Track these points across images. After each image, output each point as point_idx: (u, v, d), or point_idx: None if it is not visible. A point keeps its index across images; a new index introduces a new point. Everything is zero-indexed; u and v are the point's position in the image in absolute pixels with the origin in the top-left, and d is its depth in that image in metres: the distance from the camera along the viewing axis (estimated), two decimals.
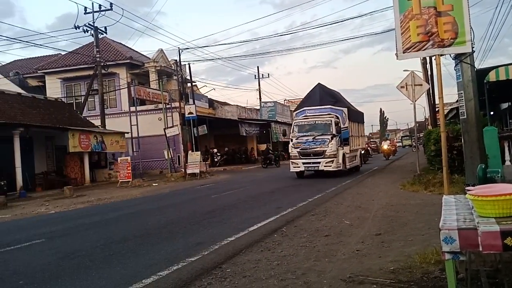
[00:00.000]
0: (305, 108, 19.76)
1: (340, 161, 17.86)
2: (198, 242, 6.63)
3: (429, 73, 23.72)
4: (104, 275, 5.15)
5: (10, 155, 18.43)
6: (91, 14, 25.30)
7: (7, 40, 61.12)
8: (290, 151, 19.04)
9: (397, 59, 6.78)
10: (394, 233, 6.36)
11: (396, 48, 6.71)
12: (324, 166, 17.54)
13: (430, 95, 24.82)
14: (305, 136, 18.13)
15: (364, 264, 4.81)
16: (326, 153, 17.50)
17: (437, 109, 23.21)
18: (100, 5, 25.50)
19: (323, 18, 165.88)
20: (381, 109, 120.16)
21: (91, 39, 26.84)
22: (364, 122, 25.23)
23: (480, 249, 2.52)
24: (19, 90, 27.51)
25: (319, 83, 20.84)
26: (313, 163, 17.80)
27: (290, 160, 18.77)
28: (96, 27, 25.59)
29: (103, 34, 26.72)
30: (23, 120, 20.25)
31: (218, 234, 7.14)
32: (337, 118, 18.52)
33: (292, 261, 5.20)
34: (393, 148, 38.69)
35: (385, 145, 34.18)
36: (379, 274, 4.36)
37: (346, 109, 19.78)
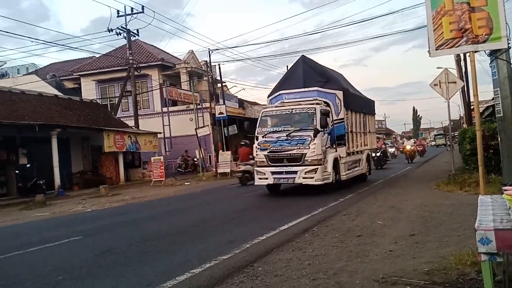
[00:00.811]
0: (281, 92, 13.99)
1: (329, 169, 12.29)
2: (230, 240, 6.70)
3: (463, 70, 23.08)
4: (139, 272, 5.28)
5: (48, 155, 19.06)
6: (124, 17, 25.86)
7: (44, 43, 63.07)
8: (254, 154, 13.11)
9: (429, 56, 6.66)
10: (428, 233, 6.26)
11: (429, 45, 6.59)
12: (303, 178, 11.92)
13: (465, 93, 24.14)
14: (276, 132, 12.43)
15: (398, 265, 4.76)
16: (306, 158, 11.88)
17: (472, 107, 22.61)
18: (132, 8, 26.06)
19: (353, 16, 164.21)
20: (414, 108, 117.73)
21: (124, 41, 27.44)
22: (375, 114, 19.05)
23: None
24: (56, 92, 28.42)
25: (303, 56, 15.27)
26: (287, 172, 12.14)
27: (255, 168, 13.01)
28: (129, 29, 26.14)
29: (135, 36, 27.28)
30: (60, 121, 20.89)
31: (249, 232, 7.19)
32: (327, 105, 13.08)
33: (323, 261, 5.19)
34: (421, 148, 34.54)
35: (408, 145, 29.30)
36: (413, 275, 4.30)
37: (341, 92, 13.77)
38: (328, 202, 10.48)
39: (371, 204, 9.80)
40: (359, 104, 16.07)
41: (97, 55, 33.81)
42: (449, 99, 14.43)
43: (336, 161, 12.87)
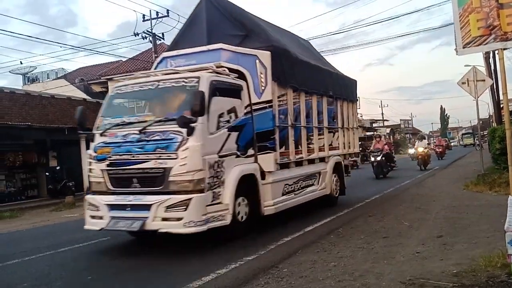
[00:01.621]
0: (165, 55, 8.65)
1: (227, 199, 6.49)
2: (254, 241, 6.70)
3: (492, 67, 22.54)
4: (167, 272, 5.35)
5: (77, 158, 19.48)
6: (149, 21, 26.24)
7: (72, 48, 64.59)
8: (87, 167, 7.35)
9: (457, 54, 6.54)
10: (456, 235, 6.14)
11: (456, 43, 6.48)
12: (162, 220, 6.05)
13: (494, 91, 23.55)
14: (123, 126, 6.84)
15: (425, 266, 4.69)
16: (170, 178, 6.14)
17: (501, 105, 22.04)
18: (157, 12, 26.43)
19: (377, 15, 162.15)
20: (441, 106, 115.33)
21: (150, 45, 27.83)
22: (356, 100, 12.66)
23: None
24: (84, 95, 29.04)
25: None
26: (133, 207, 6.30)
27: (85, 197, 7.11)
28: (154, 33, 26.51)
29: (160, 40, 27.63)
30: (89, 125, 21.29)
31: (274, 233, 7.18)
32: (241, 76, 7.63)
33: (349, 262, 5.15)
34: (440, 150, 30.04)
35: (420, 148, 22.18)
36: (441, 277, 4.24)
37: (267, 54, 7.82)
38: (353, 203, 10.37)
39: (397, 205, 9.67)
40: (317, 80, 9.84)
41: (124, 59, 34.42)
42: (478, 97, 14.13)
43: (248, 181, 7.06)
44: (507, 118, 6.55)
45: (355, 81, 12.57)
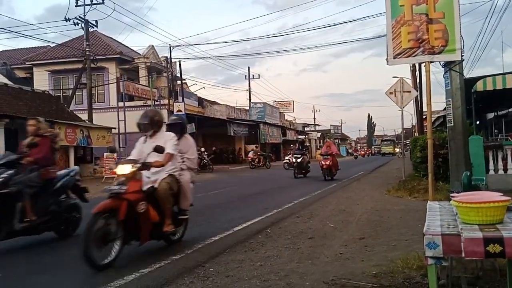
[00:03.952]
0: None
1: None
2: (181, 241, 6.56)
3: (418, 80, 23.95)
4: (73, 271, 5.08)
5: None
6: (83, 7, 25.07)
7: None
8: None
9: (387, 64, 6.81)
10: (377, 237, 6.38)
11: (387, 54, 6.74)
12: None
13: (418, 102, 25.07)
14: None
15: (347, 267, 4.82)
16: None
17: (424, 116, 23.43)
18: None
19: (315, 21, 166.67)
20: (369, 115, 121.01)
21: (81, 32, 26.57)
22: None
23: (463, 255, 2.54)
24: (6, 81, 27.14)
25: None
26: None
27: None
28: (87, 20, 25.35)
29: (93, 27, 26.49)
30: (9, 111, 19.94)
31: (203, 233, 7.10)
32: None
33: (275, 262, 5.18)
34: (327, 163, 17.42)
35: (123, 169, 5.48)
36: (361, 277, 4.37)
37: None
38: (282, 204, 10.50)
39: (323, 207, 9.91)
40: None
41: (52, 45, 32.65)
42: (403, 107, 14.88)
43: None
44: (430, 128, 6.93)
45: None
